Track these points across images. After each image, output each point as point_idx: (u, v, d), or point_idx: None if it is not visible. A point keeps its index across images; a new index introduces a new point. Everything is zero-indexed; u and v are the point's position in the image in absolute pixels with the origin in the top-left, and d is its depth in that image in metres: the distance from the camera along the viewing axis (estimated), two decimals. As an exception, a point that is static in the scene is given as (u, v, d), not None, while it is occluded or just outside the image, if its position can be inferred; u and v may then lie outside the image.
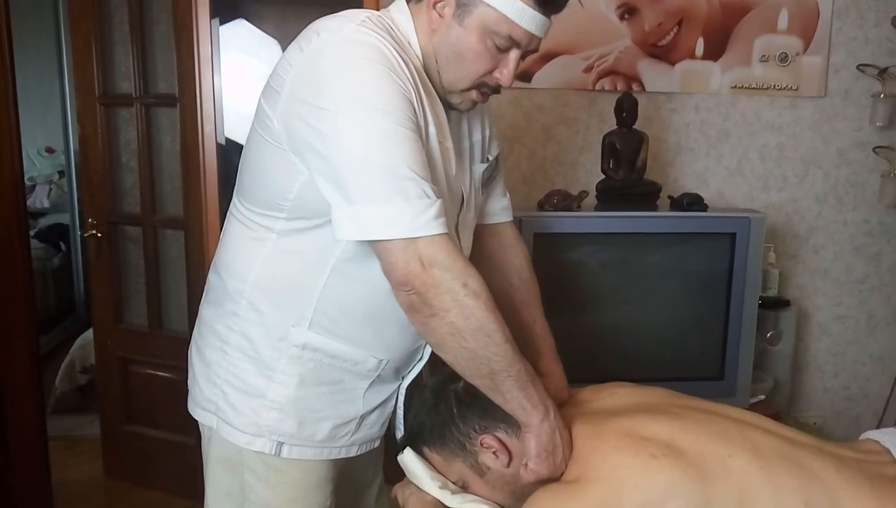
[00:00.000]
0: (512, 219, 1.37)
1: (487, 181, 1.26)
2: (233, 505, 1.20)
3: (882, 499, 1.01)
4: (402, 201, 0.96)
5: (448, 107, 1.13)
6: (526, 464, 1.09)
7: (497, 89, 1.11)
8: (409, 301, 1.00)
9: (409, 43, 1.09)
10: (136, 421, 2.62)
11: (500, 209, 1.35)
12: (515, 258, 1.34)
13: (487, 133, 1.26)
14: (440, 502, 1.16)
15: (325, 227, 1.04)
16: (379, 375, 1.19)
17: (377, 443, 1.26)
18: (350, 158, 0.98)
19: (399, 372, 1.23)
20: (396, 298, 1.01)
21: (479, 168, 1.22)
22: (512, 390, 1.04)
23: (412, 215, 0.96)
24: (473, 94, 1.10)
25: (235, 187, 1.19)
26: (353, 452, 1.22)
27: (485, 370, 1.02)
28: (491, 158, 1.26)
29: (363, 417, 1.20)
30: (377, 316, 1.13)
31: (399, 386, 1.24)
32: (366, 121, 0.98)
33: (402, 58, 1.03)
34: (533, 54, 1.12)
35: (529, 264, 1.36)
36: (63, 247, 4.44)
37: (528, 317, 1.31)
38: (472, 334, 0.99)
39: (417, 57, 1.09)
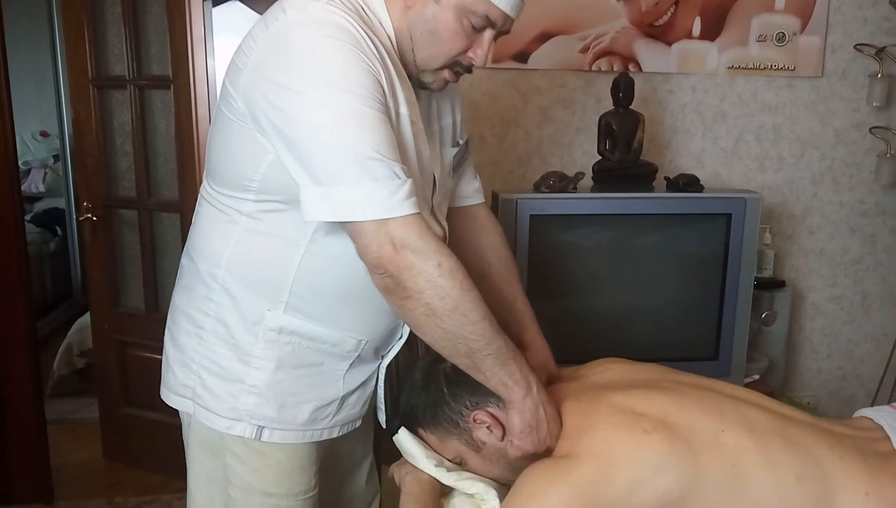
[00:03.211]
0: (484, 200, 1.38)
1: (458, 165, 1.26)
2: (216, 490, 1.20)
3: (875, 475, 1.02)
4: (370, 182, 0.96)
5: (419, 87, 1.12)
6: (511, 441, 1.10)
7: (469, 69, 1.11)
8: (383, 283, 1.00)
9: (380, 22, 1.07)
10: (134, 404, 2.63)
11: (472, 191, 1.35)
12: (491, 237, 1.34)
13: (458, 117, 1.26)
14: (436, 480, 1.17)
15: (295, 208, 1.02)
16: (359, 355, 1.19)
17: (359, 423, 1.26)
18: (316, 139, 0.97)
19: (378, 352, 1.23)
20: (372, 280, 1.01)
21: (450, 152, 1.22)
22: (493, 367, 1.04)
23: (382, 196, 0.96)
24: (446, 74, 1.10)
25: (205, 169, 1.18)
26: (336, 433, 1.22)
27: (463, 349, 1.02)
28: (461, 142, 1.26)
29: (344, 398, 1.20)
30: (353, 297, 1.12)
31: (379, 366, 1.24)
32: (331, 102, 0.97)
33: (369, 37, 1.02)
34: (506, 35, 1.11)
35: (505, 242, 1.36)
36: (59, 231, 4.43)
37: (510, 294, 1.31)
38: (448, 315, 0.99)
39: (388, 36, 1.08)
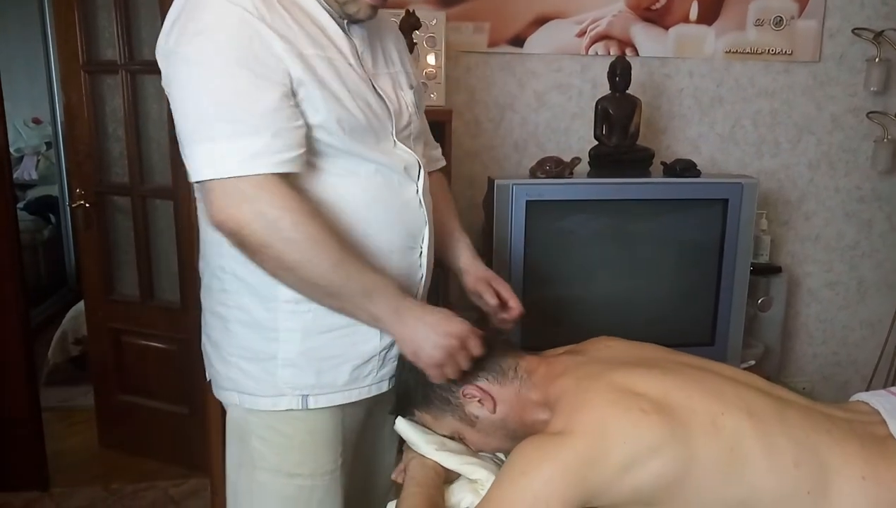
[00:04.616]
0: (444, 164, 1.43)
1: (419, 106, 1.28)
2: (244, 476, 1.22)
3: (871, 459, 1.02)
4: (210, 142, 0.99)
5: (352, 21, 1.13)
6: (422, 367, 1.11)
7: None
8: (231, 240, 1.03)
9: None
10: (129, 392, 2.63)
11: (439, 155, 1.40)
12: (432, 177, 1.36)
13: (409, 67, 1.28)
14: (440, 466, 1.17)
15: None
16: None
17: None
18: (178, 99, 1.02)
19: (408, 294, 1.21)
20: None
21: (409, 93, 1.24)
22: (358, 307, 1.07)
23: (222, 156, 0.98)
24: None
25: None
26: (385, 387, 1.22)
27: (323, 294, 1.06)
28: (415, 84, 1.28)
29: (384, 352, 1.20)
30: (357, 242, 1.13)
31: None
32: (191, 61, 1.00)
33: None
34: None
35: (443, 181, 1.41)
36: (53, 218, 4.40)
37: (449, 228, 1.35)
38: (298, 266, 1.02)
39: None
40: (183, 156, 1.04)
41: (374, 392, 1.21)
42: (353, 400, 1.19)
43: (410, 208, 1.18)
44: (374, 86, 1.15)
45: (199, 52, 1.00)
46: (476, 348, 1.11)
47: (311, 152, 1.08)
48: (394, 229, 1.16)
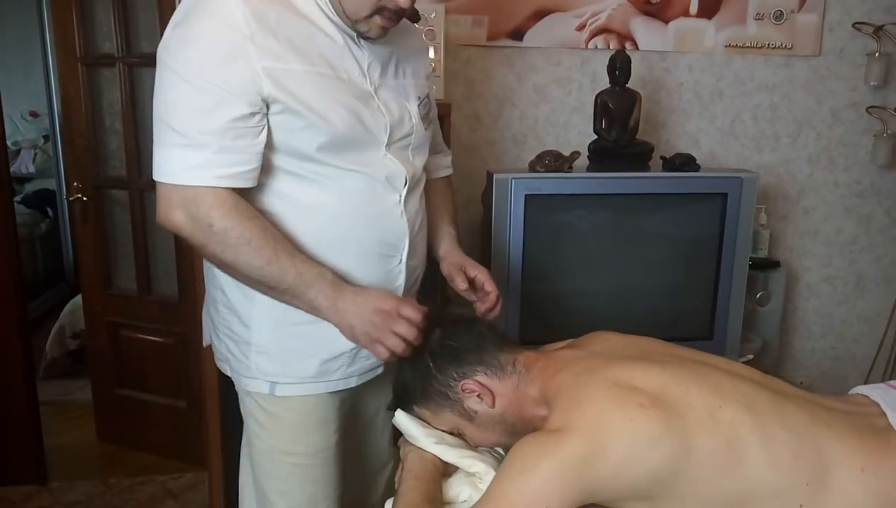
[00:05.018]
0: (451, 173, 1.49)
1: (425, 116, 1.30)
2: (246, 456, 1.30)
3: (870, 452, 1.02)
4: (162, 148, 1.08)
5: (364, 38, 1.16)
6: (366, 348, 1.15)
7: (400, 13, 1.14)
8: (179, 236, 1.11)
9: None
10: (127, 386, 2.63)
11: (449, 163, 1.47)
12: (437, 182, 1.43)
13: (422, 81, 1.32)
14: (439, 459, 1.17)
15: None
16: None
17: (380, 370, 1.28)
18: (154, 100, 1.10)
19: None
20: None
21: (415, 105, 1.27)
22: (297, 297, 1.12)
23: (172, 163, 1.07)
24: (378, 20, 1.13)
25: None
26: (353, 383, 1.25)
27: (263, 287, 1.13)
28: (422, 97, 1.30)
29: (356, 350, 1.22)
30: (329, 246, 1.16)
31: None
32: (169, 68, 1.07)
33: (263, 9, 1.06)
34: None
35: (447, 185, 1.46)
36: (50, 212, 4.40)
37: (438, 221, 1.40)
38: (233, 264, 1.10)
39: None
40: None
41: (343, 386, 1.24)
42: (319, 391, 1.22)
43: (390, 217, 1.21)
44: (375, 96, 1.17)
45: (178, 61, 1.06)
46: (413, 315, 1.13)
47: (290, 159, 1.12)
48: (370, 235, 1.19)
